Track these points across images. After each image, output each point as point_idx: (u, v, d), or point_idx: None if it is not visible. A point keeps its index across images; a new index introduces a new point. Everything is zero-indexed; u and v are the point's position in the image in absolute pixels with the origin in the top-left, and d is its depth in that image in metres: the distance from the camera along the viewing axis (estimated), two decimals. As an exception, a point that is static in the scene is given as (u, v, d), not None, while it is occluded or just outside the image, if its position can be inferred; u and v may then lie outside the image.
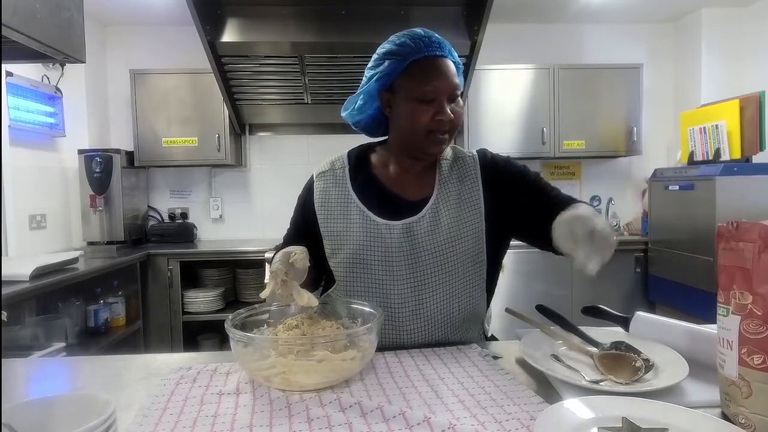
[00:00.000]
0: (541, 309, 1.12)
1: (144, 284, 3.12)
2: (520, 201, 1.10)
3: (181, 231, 3.51)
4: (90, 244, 3.16)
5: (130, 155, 3.31)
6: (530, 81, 3.45)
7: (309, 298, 0.96)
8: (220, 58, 2.89)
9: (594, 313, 1.11)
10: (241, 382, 0.86)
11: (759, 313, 0.65)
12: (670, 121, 3.83)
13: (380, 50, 1.09)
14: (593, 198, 3.89)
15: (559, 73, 3.45)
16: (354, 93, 1.14)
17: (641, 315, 1.01)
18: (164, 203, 3.70)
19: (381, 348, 0.94)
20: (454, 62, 1.08)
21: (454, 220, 1.08)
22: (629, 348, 0.89)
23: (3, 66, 2.41)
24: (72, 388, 0.93)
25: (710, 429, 0.65)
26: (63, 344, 2.25)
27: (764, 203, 2.70)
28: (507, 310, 1.18)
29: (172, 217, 3.66)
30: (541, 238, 1.08)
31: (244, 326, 0.93)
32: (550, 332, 1.02)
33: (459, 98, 1.07)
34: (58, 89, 3.10)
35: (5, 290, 1.92)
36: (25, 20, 1.30)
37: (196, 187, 3.72)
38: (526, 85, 3.45)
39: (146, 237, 3.51)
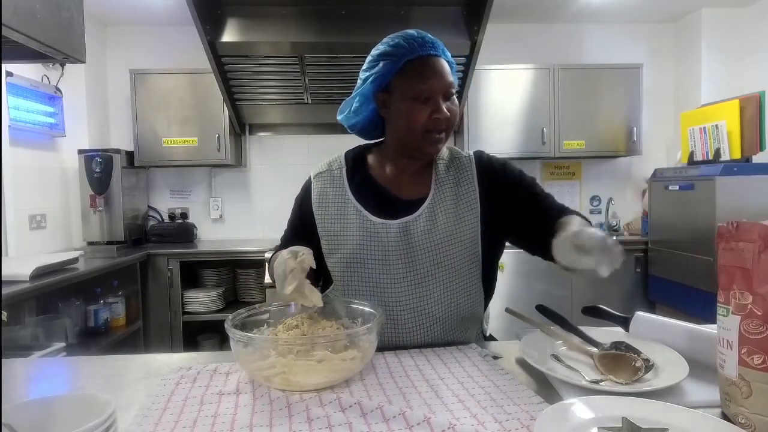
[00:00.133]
0: (541, 309, 1.12)
1: (144, 284, 3.12)
2: (516, 203, 1.11)
3: (181, 231, 3.51)
4: (90, 244, 3.16)
5: (130, 155, 3.31)
6: (530, 81, 3.45)
7: (318, 298, 0.97)
8: (220, 58, 2.89)
9: (594, 313, 1.11)
10: (241, 382, 0.86)
11: (759, 313, 0.65)
12: (670, 121, 3.83)
13: (374, 52, 1.09)
14: (593, 198, 3.89)
15: (559, 73, 3.45)
16: (350, 95, 1.15)
17: (641, 315, 1.01)
18: (164, 203, 3.70)
19: (380, 347, 0.94)
20: (448, 61, 1.09)
21: (450, 219, 1.08)
22: (629, 348, 0.89)
23: (3, 66, 2.41)
24: (72, 388, 0.93)
25: (710, 429, 0.65)
26: (63, 344, 2.25)
27: (764, 203, 2.70)
28: (507, 310, 1.18)
29: (172, 217, 3.66)
30: (533, 244, 1.10)
31: (244, 326, 0.93)
32: (550, 332, 1.02)
33: (454, 96, 1.08)
34: (58, 89, 3.10)
35: (5, 290, 1.92)
36: (25, 20, 1.30)
37: (196, 187, 3.72)
38: (526, 85, 3.45)
39: (146, 237, 3.51)
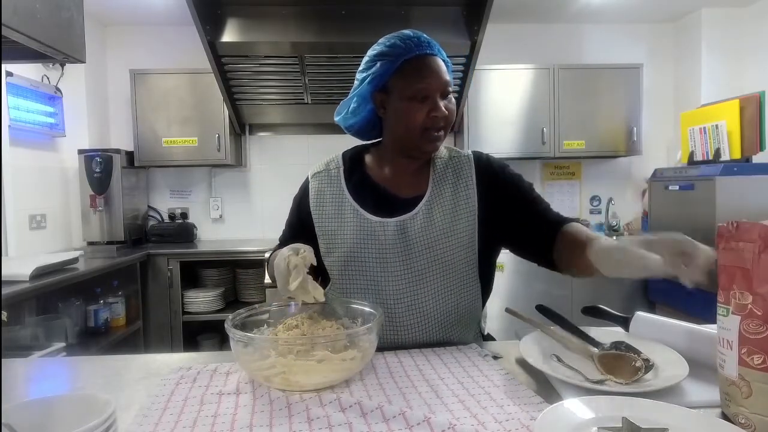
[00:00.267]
0: (541, 309, 1.12)
1: (144, 284, 3.12)
2: (515, 205, 1.11)
3: (181, 231, 3.51)
4: (90, 244, 3.16)
5: (130, 155, 3.31)
6: (530, 81, 3.45)
7: (321, 294, 0.97)
8: (220, 58, 2.88)
9: (594, 313, 1.11)
10: (241, 382, 0.86)
11: (759, 313, 0.65)
12: (670, 121, 3.82)
13: (371, 52, 1.11)
14: (593, 198, 3.89)
15: (559, 73, 3.45)
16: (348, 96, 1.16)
17: (641, 315, 1.01)
18: (164, 203, 3.70)
19: (379, 346, 0.94)
20: (444, 60, 1.10)
21: (447, 217, 1.09)
22: (629, 348, 0.89)
23: (3, 66, 2.41)
24: (72, 388, 0.93)
25: (710, 429, 0.65)
26: (63, 344, 2.25)
27: (764, 203, 2.70)
28: (507, 310, 1.18)
29: (172, 217, 3.66)
30: (530, 249, 1.12)
31: (244, 326, 0.93)
32: (550, 332, 1.02)
33: (451, 95, 1.09)
34: (58, 89, 3.10)
35: (5, 290, 1.92)
36: (25, 20, 1.30)
37: (196, 187, 3.71)
38: (526, 85, 3.45)
39: (146, 237, 3.51)
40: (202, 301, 3.17)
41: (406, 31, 1.08)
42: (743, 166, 2.81)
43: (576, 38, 3.80)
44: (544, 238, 1.07)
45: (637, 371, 0.83)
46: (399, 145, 1.13)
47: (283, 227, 1.25)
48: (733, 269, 0.69)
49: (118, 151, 3.18)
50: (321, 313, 1.00)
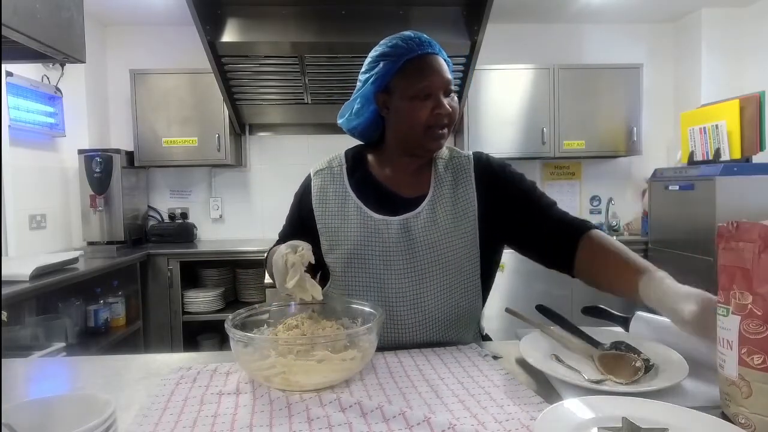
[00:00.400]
0: (541, 309, 1.12)
1: (144, 284, 3.12)
2: (515, 204, 1.11)
3: (181, 231, 3.51)
4: (90, 244, 3.16)
5: (130, 155, 3.31)
6: (530, 81, 3.45)
7: (319, 292, 0.97)
8: (220, 58, 2.88)
9: (594, 313, 1.11)
10: (241, 382, 0.86)
11: (759, 313, 0.65)
12: (670, 121, 3.83)
13: (373, 53, 1.11)
14: (593, 198, 3.89)
15: (559, 73, 3.45)
16: (350, 98, 1.16)
17: (641, 315, 1.01)
18: (164, 203, 3.70)
19: (380, 345, 0.94)
20: (445, 60, 1.10)
21: (449, 217, 1.09)
22: (629, 348, 0.89)
23: (3, 66, 2.41)
24: (72, 388, 0.93)
25: (710, 429, 0.65)
26: (63, 344, 2.25)
27: (764, 203, 2.70)
28: (507, 310, 1.18)
29: (172, 217, 3.66)
30: (533, 249, 1.12)
31: (244, 326, 0.93)
32: (550, 332, 1.02)
33: (453, 94, 1.09)
34: (58, 89, 3.10)
35: (5, 290, 1.92)
36: (25, 20, 1.30)
37: (196, 187, 3.71)
38: (526, 85, 3.45)
39: (146, 237, 3.51)
40: (202, 301, 3.17)
41: (407, 33, 1.09)
42: (743, 166, 2.81)
43: (576, 38, 3.80)
44: (551, 238, 1.07)
45: (637, 371, 0.83)
46: (402, 145, 1.13)
47: (284, 223, 1.26)
48: (733, 269, 0.69)
49: (118, 151, 3.18)
50: (321, 313, 1.00)
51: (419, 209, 1.10)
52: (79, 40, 1.55)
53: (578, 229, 1.06)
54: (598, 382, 0.81)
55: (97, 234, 3.15)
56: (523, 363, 0.93)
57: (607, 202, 3.75)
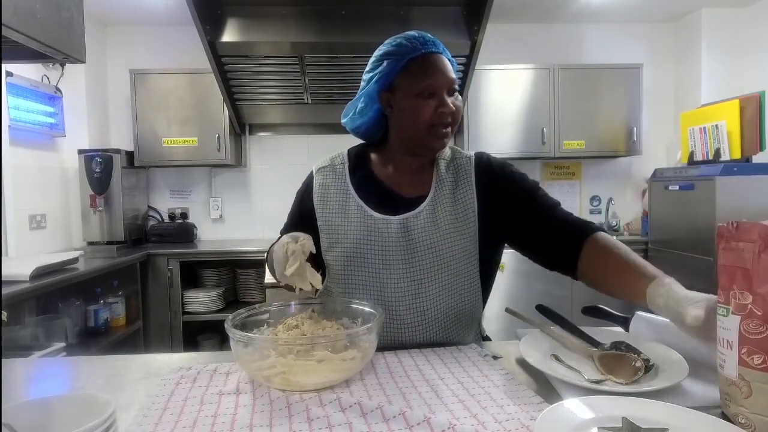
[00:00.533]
0: (541, 309, 1.12)
1: (144, 284, 3.12)
2: (515, 204, 1.11)
3: (181, 231, 3.51)
4: (90, 244, 3.16)
5: (130, 155, 3.31)
6: (530, 81, 3.45)
7: (318, 281, 0.98)
8: (220, 58, 2.89)
9: (594, 313, 1.11)
10: (241, 382, 0.86)
11: (759, 313, 0.65)
12: (670, 121, 3.83)
13: (377, 53, 1.12)
14: (593, 198, 3.89)
15: (559, 73, 3.45)
16: (353, 96, 1.17)
17: (641, 315, 1.01)
18: (164, 203, 3.70)
19: (380, 345, 0.94)
20: (449, 60, 1.10)
21: (449, 218, 1.09)
22: (629, 348, 0.89)
23: (3, 66, 2.41)
24: (72, 388, 0.93)
25: (710, 429, 0.65)
26: (63, 344, 2.25)
27: (764, 203, 2.70)
28: (507, 310, 1.18)
29: (172, 217, 3.66)
30: (534, 249, 1.11)
31: (244, 326, 0.93)
32: (550, 332, 1.02)
33: (457, 93, 1.09)
34: (58, 89, 3.10)
35: (5, 290, 1.92)
36: (25, 20, 1.30)
37: (196, 187, 3.72)
38: (526, 85, 3.45)
39: (146, 237, 3.51)
40: (202, 301, 3.17)
41: (411, 32, 1.10)
42: (743, 166, 2.81)
43: (576, 38, 3.80)
44: (554, 239, 1.06)
45: (637, 371, 0.83)
46: (406, 144, 1.13)
47: (285, 220, 1.26)
48: (733, 269, 0.69)
49: (118, 151, 3.18)
50: (321, 313, 1.00)
51: (419, 209, 1.10)
52: (79, 40, 1.55)
53: (582, 230, 1.05)
54: (598, 382, 0.81)
55: (97, 234, 3.15)
56: (523, 363, 0.93)
57: (607, 202, 3.75)
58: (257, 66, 2.98)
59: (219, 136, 3.34)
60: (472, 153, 1.19)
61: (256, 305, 1.02)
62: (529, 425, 0.70)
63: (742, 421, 0.67)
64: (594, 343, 0.96)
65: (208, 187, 3.72)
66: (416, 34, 1.08)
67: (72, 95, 3.22)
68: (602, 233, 1.04)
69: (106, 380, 0.91)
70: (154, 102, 3.32)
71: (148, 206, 3.64)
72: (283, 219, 1.27)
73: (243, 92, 3.22)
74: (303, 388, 0.81)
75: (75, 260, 2.53)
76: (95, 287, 2.84)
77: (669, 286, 0.84)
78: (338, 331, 0.92)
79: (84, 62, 1.60)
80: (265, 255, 1.23)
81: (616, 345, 0.91)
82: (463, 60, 2.94)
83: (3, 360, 1.05)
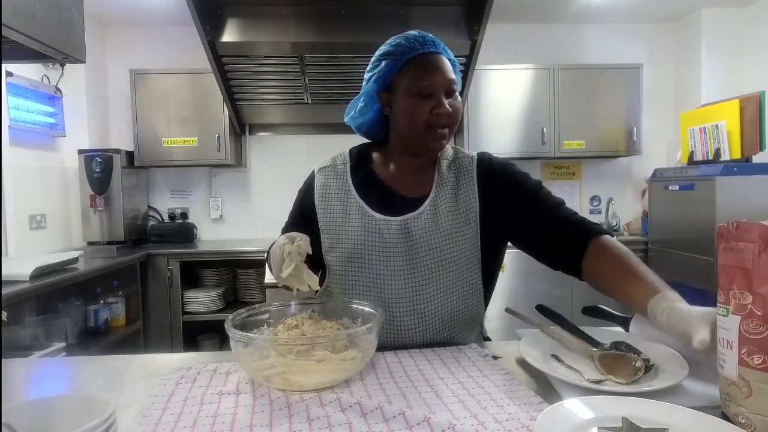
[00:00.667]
0: (541, 309, 1.12)
1: (144, 284, 3.12)
2: (516, 203, 1.10)
3: (181, 231, 3.51)
4: (90, 244, 3.16)
5: (130, 155, 3.31)
6: (530, 81, 3.45)
7: (315, 282, 0.98)
8: (220, 58, 2.89)
9: (594, 313, 1.11)
10: (241, 382, 0.86)
11: (759, 313, 0.65)
12: (670, 121, 3.82)
13: (377, 52, 1.12)
14: (593, 198, 3.89)
15: (559, 73, 3.45)
16: (353, 96, 1.17)
17: (641, 315, 1.01)
18: (164, 203, 3.70)
19: (379, 346, 0.94)
20: (450, 60, 1.10)
21: (450, 219, 1.09)
22: (629, 348, 0.89)
23: (3, 66, 2.41)
24: (72, 388, 0.93)
25: (710, 429, 0.65)
26: (63, 344, 2.25)
27: (764, 203, 2.70)
28: (507, 310, 1.18)
29: (172, 217, 3.66)
30: (538, 249, 1.11)
31: (244, 326, 0.93)
32: (550, 332, 1.02)
33: (456, 93, 1.09)
34: (58, 89, 3.10)
35: (5, 290, 1.92)
36: (25, 20, 1.30)
37: (196, 187, 3.72)
38: (526, 85, 3.45)
39: (146, 237, 3.51)
40: (202, 301, 3.17)
41: (412, 32, 1.09)
42: (743, 166, 2.81)
43: (576, 38, 3.80)
44: (556, 238, 1.06)
45: (637, 371, 0.83)
46: (404, 144, 1.13)
47: (286, 219, 1.26)
48: (733, 269, 0.69)
49: (118, 151, 3.18)
50: (321, 313, 1.00)
51: (420, 210, 1.09)
52: (79, 40, 1.55)
53: (588, 231, 1.04)
54: (598, 382, 0.81)
55: (97, 234, 3.15)
56: (523, 363, 0.93)
57: (607, 202, 3.75)
58: (257, 66, 2.98)
59: (219, 136, 3.34)
60: (474, 153, 1.18)
61: (256, 305, 1.02)
62: (529, 425, 0.70)
63: (742, 421, 0.67)
64: (594, 343, 0.96)
65: (208, 187, 3.72)
66: (416, 34, 1.08)
67: (72, 95, 3.22)
68: (608, 237, 1.03)
69: (106, 380, 0.91)
70: (154, 102, 3.32)
71: (148, 206, 3.64)
72: (283, 219, 1.27)
73: (243, 92, 3.23)
74: (303, 388, 0.81)
75: (75, 260, 2.53)
76: (95, 287, 2.84)
77: (671, 303, 0.82)
78: (338, 331, 0.92)
79: (84, 62, 1.60)
80: (266, 255, 1.23)
81: (616, 345, 0.91)
82: (463, 60, 2.94)
83: (3, 360, 1.05)
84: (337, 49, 2.84)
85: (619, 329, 1.04)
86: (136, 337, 3.04)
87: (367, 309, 0.99)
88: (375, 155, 1.20)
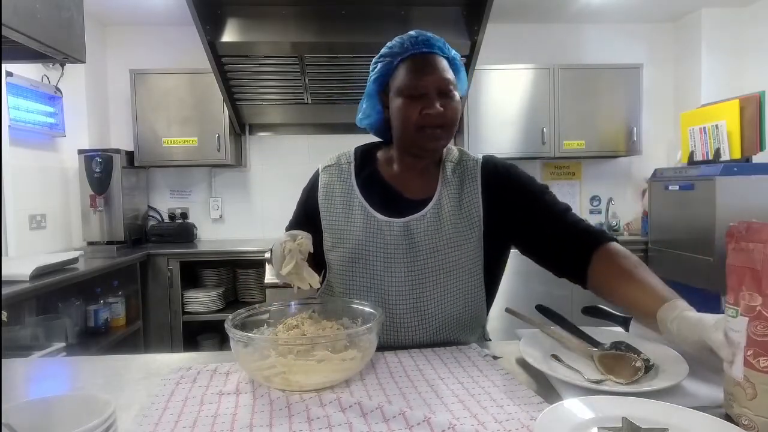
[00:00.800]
0: (541, 309, 1.12)
1: (144, 284, 3.12)
2: (518, 205, 1.10)
3: (181, 231, 3.51)
4: (90, 244, 3.16)
5: (130, 155, 3.31)
6: (530, 81, 3.45)
7: (316, 280, 0.98)
8: (220, 58, 2.88)
9: (594, 313, 1.11)
10: (241, 382, 0.86)
11: None
12: (670, 121, 3.82)
13: (378, 54, 1.12)
14: (593, 198, 3.89)
15: (559, 73, 3.45)
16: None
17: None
18: (164, 203, 3.70)
19: (379, 346, 0.94)
20: (447, 58, 1.09)
21: (454, 221, 1.08)
22: (629, 348, 0.89)
23: (3, 66, 2.41)
24: (72, 388, 0.93)
25: (710, 429, 0.64)
26: (63, 344, 2.25)
27: (764, 203, 2.70)
28: (507, 310, 1.18)
29: (172, 217, 3.66)
30: (542, 254, 1.10)
31: (244, 326, 0.93)
32: (550, 332, 1.02)
33: (453, 93, 1.06)
34: (58, 89, 3.10)
35: (5, 290, 1.92)
36: (25, 20, 1.30)
37: (196, 187, 3.71)
38: (526, 85, 3.45)
39: (146, 237, 3.51)
40: (202, 301, 3.17)
41: (411, 32, 1.09)
42: (743, 166, 2.81)
43: (576, 38, 3.80)
44: (561, 245, 1.05)
45: (637, 371, 0.82)
46: (402, 144, 1.13)
47: (286, 226, 1.25)
48: (742, 270, 0.68)
49: (118, 151, 3.18)
50: (321, 313, 1.00)
51: (424, 212, 1.09)
52: (79, 40, 1.55)
53: (595, 239, 1.03)
54: (598, 382, 0.81)
55: (97, 234, 3.15)
56: (523, 363, 0.93)
57: (607, 202, 3.75)
58: (257, 66, 2.98)
59: (219, 136, 3.34)
60: (480, 156, 1.17)
61: (256, 305, 1.02)
62: (529, 425, 0.70)
63: (745, 423, 0.66)
64: (594, 343, 0.96)
65: (208, 187, 3.72)
66: (411, 35, 1.08)
67: (72, 95, 3.22)
68: (615, 244, 1.02)
69: (106, 380, 0.91)
70: (154, 102, 3.32)
71: (148, 206, 3.64)
72: (283, 219, 1.27)
73: (243, 92, 3.22)
74: (303, 388, 0.81)
75: (75, 260, 2.53)
76: (95, 287, 2.84)
77: (681, 311, 0.81)
78: (338, 331, 0.92)
79: (84, 62, 1.60)
80: (268, 253, 1.23)
81: (616, 345, 0.91)
82: (463, 60, 2.94)
83: (3, 360, 1.05)
84: (337, 49, 2.84)
85: (619, 329, 1.04)
86: (136, 337, 3.04)
87: (367, 309, 0.99)
88: (380, 155, 1.20)
